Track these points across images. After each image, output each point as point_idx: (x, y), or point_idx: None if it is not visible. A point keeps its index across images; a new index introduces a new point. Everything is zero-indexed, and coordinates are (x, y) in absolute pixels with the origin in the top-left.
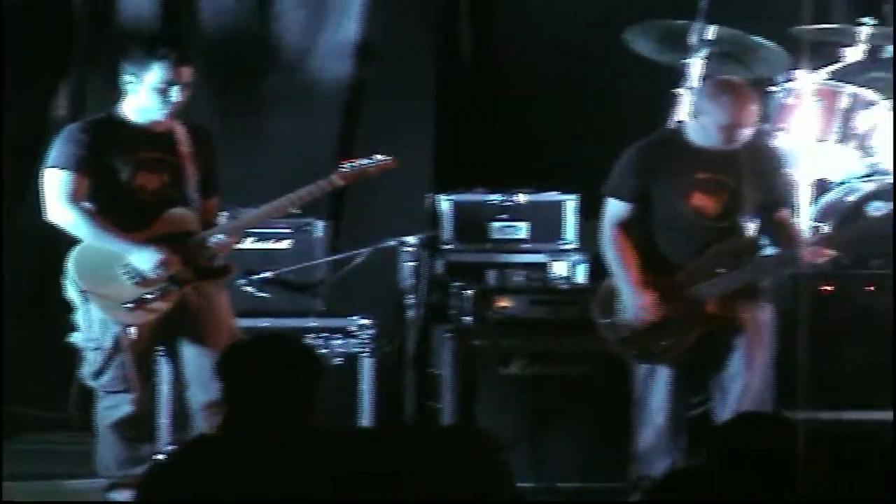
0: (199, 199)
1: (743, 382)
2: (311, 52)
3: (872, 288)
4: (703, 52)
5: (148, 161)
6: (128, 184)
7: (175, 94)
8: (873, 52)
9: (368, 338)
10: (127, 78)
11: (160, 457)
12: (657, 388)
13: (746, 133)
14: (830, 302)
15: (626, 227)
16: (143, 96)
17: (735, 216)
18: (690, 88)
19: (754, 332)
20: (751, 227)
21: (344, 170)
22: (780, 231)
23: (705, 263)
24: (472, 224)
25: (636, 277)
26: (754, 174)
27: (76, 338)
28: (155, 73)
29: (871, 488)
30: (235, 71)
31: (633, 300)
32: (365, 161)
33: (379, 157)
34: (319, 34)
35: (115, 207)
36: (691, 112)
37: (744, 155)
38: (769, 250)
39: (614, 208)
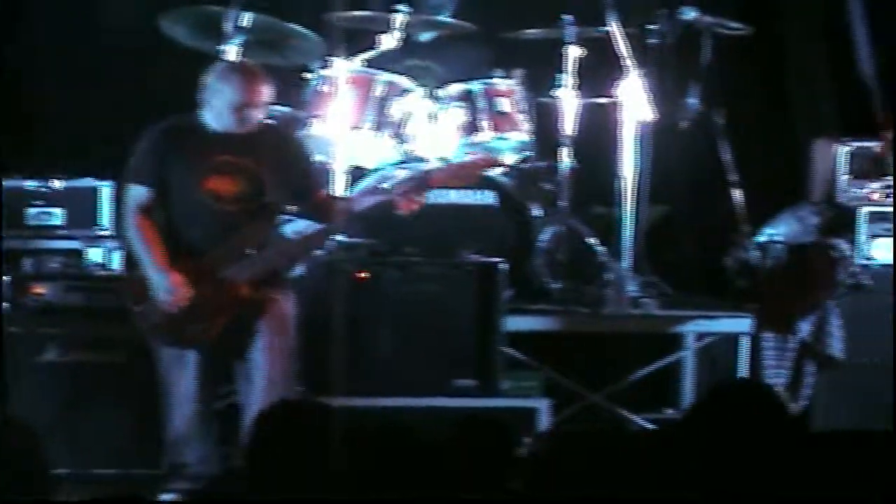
0: None
1: (266, 368)
2: None
3: (402, 273)
4: (238, 40)
5: None
6: None
7: None
8: (407, 40)
9: None
10: None
11: None
12: (185, 374)
13: (258, 114)
14: (365, 288)
15: (147, 211)
16: None
17: (257, 199)
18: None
19: (278, 319)
20: (278, 209)
21: None
22: (320, 212)
23: (232, 246)
24: (7, 210)
25: (161, 262)
26: (277, 157)
27: None
28: None
29: (417, 476)
30: None
31: (162, 285)
32: None
33: None
34: None
35: None
36: (205, 96)
37: (263, 138)
38: (300, 231)
39: (135, 193)
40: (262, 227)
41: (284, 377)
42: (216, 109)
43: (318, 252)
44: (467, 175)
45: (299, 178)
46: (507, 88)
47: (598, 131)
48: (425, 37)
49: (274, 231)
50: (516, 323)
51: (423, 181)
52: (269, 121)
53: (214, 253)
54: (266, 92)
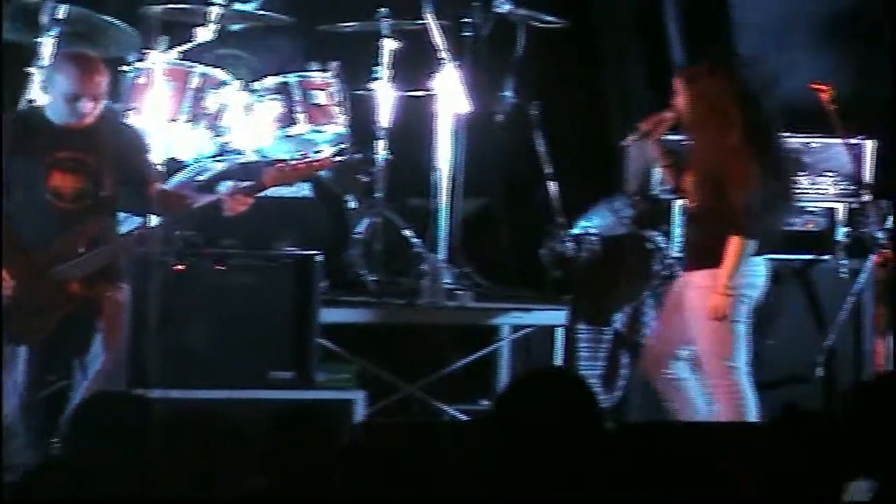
0: None
1: (101, 362)
2: None
3: (223, 267)
4: (55, 32)
5: None
6: None
7: None
8: (222, 32)
9: None
10: None
11: None
12: (14, 369)
13: (94, 105)
14: (182, 281)
15: None
16: None
17: (96, 194)
18: (42, 68)
19: (113, 313)
20: (115, 204)
21: None
22: (155, 206)
23: (67, 243)
24: None
25: None
26: (115, 151)
27: None
28: None
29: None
30: None
31: None
32: None
33: None
34: None
35: None
36: (43, 89)
37: (103, 131)
38: (129, 227)
39: None
40: (100, 222)
41: (116, 370)
42: (54, 100)
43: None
44: (300, 176)
45: (136, 171)
46: (323, 81)
47: (415, 123)
48: (238, 27)
49: (110, 226)
50: (332, 315)
51: (257, 184)
52: (111, 115)
53: (52, 249)
54: (102, 83)
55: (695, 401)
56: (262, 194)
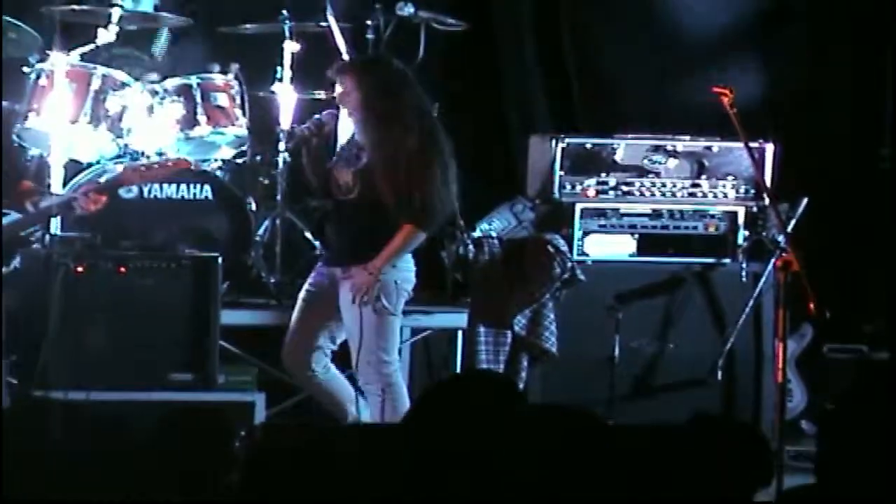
0: None
1: None
2: None
3: (124, 270)
4: None
5: None
6: None
7: None
8: (121, 33)
9: None
10: None
11: None
12: None
13: None
14: (82, 282)
15: None
16: None
17: None
18: None
19: None
20: None
21: None
22: (20, 203)
23: None
24: None
25: None
26: None
27: None
28: None
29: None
30: None
31: None
32: None
33: None
34: None
35: None
36: None
37: None
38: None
39: None
40: None
41: None
42: None
43: (35, 245)
44: (157, 178)
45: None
46: (224, 83)
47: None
48: (133, 26)
49: None
50: (233, 317)
51: (112, 182)
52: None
53: None
54: None
55: (342, 394)
56: (162, 196)
